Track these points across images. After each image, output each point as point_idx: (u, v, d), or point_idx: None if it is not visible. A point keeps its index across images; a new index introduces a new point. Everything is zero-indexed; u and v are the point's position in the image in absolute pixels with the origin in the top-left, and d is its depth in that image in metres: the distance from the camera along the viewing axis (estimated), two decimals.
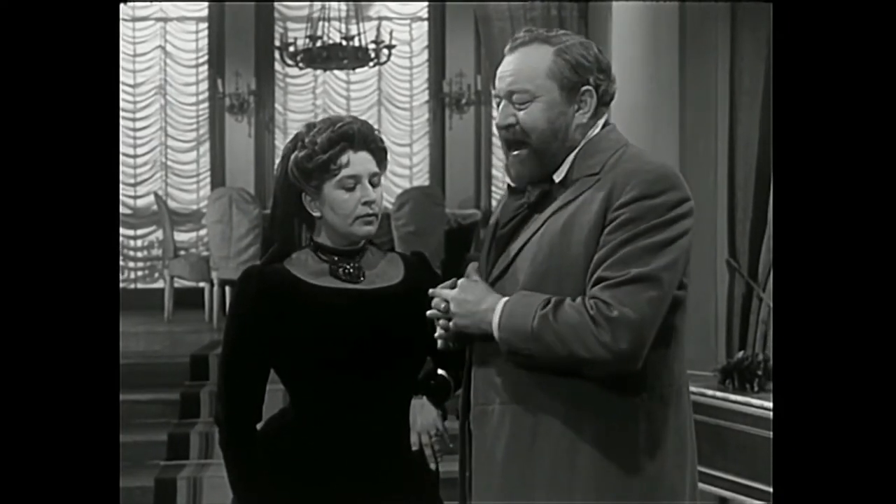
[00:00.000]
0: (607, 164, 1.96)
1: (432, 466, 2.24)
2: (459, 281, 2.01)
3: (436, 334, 2.04)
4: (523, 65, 1.99)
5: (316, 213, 2.24)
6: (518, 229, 2.03)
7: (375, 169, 2.23)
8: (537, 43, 2.00)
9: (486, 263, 2.08)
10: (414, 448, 2.22)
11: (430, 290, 2.03)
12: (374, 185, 2.23)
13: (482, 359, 2.02)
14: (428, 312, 2.02)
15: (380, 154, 2.25)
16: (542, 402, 1.94)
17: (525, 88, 1.98)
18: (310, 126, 2.25)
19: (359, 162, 2.21)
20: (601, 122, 2.03)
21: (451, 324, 1.99)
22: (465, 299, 1.97)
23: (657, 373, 1.94)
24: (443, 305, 2.00)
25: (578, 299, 1.87)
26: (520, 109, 1.99)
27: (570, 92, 1.98)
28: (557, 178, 2.01)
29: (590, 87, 1.99)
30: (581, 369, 1.88)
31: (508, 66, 2.01)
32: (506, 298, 1.93)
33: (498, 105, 2.04)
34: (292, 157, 2.22)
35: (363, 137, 2.21)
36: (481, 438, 2.03)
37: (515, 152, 2.01)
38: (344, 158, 2.19)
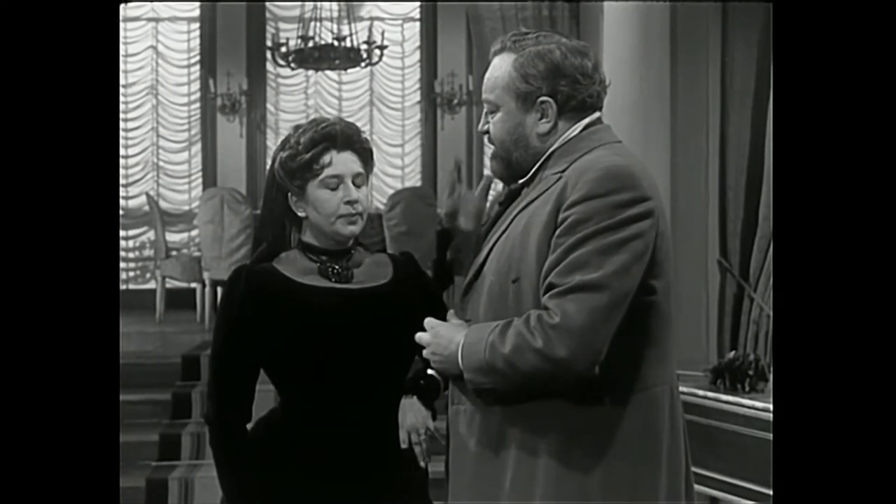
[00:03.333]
0: (574, 163, 1.95)
1: (422, 465, 2.24)
2: (427, 321, 2.03)
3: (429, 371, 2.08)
4: (491, 75, 2.03)
5: (301, 213, 2.24)
6: (491, 229, 2.06)
7: (359, 169, 2.24)
8: (506, 52, 2.02)
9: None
10: (403, 446, 2.22)
11: (417, 336, 2.03)
12: (358, 186, 2.23)
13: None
14: (425, 352, 2.04)
15: (365, 154, 2.26)
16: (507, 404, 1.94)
17: (489, 99, 2.04)
18: (297, 127, 2.26)
19: (341, 162, 2.21)
20: (582, 123, 2.01)
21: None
22: (438, 343, 1.99)
23: (621, 378, 1.91)
24: (425, 352, 2.02)
25: (525, 316, 1.85)
26: (491, 118, 2.05)
27: (525, 103, 2.00)
28: (524, 179, 2.03)
29: (546, 98, 1.99)
30: (540, 389, 1.87)
31: (486, 74, 2.06)
32: (464, 335, 1.93)
33: None
34: (278, 157, 2.24)
35: (346, 138, 2.22)
36: (456, 438, 2.04)
37: (492, 151, 2.08)
38: (326, 158, 2.20)
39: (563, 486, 1.91)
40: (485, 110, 2.07)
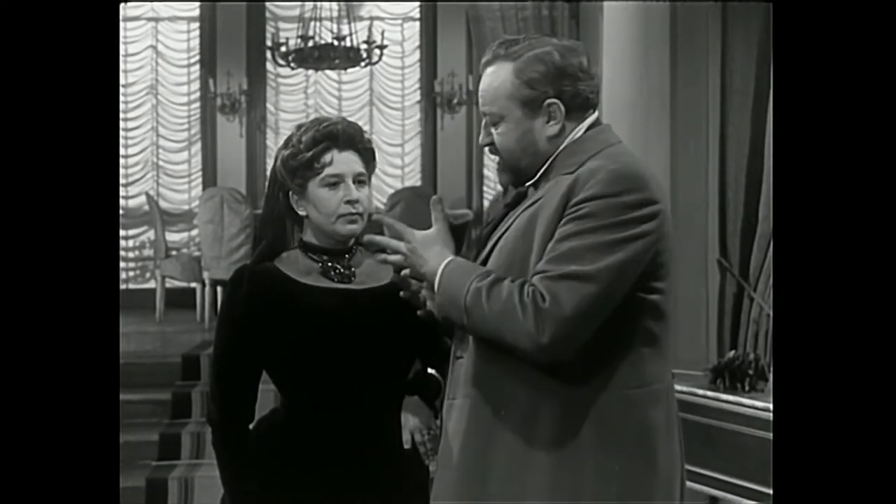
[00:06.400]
0: (584, 164, 1.95)
1: (426, 464, 2.24)
2: (416, 233, 2.04)
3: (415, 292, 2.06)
4: (489, 87, 2.01)
5: (302, 212, 2.25)
6: (495, 229, 2.06)
7: (360, 169, 2.24)
8: (499, 62, 2.00)
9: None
10: (406, 446, 2.22)
11: (385, 241, 2.06)
12: (359, 185, 2.23)
13: (456, 354, 2.04)
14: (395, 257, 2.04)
15: (367, 155, 2.26)
16: (499, 397, 1.95)
17: (492, 111, 2.01)
18: (300, 126, 2.27)
19: (342, 161, 2.22)
20: (585, 123, 2.01)
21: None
22: (414, 261, 2.01)
23: (621, 374, 1.92)
24: (400, 255, 2.02)
25: (518, 281, 1.87)
26: (494, 129, 2.03)
27: (531, 108, 1.98)
28: (532, 181, 2.03)
29: (553, 100, 1.98)
30: (505, 348, 1.89)
31: (481, 87, 2.04)
32: (448, 261, 1.97)
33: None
34: (279, 155, 2.24)
35: (348, 138, 2.23)
36: (446, 433, 2.04)
37: (497, 161, 2.06)
38: (327, 157, 2.21)
39: (556, 480, 1.91)
40: (484, 122, 2.05)
